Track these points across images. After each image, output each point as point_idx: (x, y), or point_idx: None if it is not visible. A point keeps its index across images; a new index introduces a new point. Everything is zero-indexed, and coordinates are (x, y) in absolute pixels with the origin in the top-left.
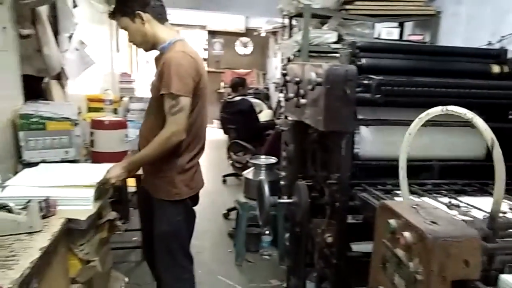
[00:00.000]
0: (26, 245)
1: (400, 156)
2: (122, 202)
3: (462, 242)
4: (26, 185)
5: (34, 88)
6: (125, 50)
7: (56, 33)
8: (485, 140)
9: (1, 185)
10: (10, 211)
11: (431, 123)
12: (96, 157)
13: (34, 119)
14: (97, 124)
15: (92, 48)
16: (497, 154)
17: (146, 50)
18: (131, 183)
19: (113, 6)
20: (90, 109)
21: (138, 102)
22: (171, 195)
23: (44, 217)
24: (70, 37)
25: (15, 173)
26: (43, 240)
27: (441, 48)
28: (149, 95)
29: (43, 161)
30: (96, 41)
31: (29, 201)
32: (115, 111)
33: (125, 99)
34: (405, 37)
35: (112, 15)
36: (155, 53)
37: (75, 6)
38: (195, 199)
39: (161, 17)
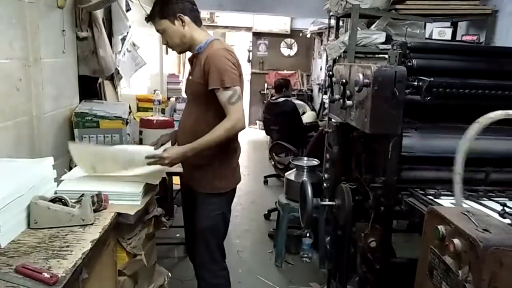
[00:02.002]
0: (79, 236)
1: (456, 160)
2: (167, 200)
3: None
4: (80, 180)
5: (89, 88)
6: (173, 52)
7: (110, 35)
8: None
9: (57, 180)
10: (65, 204)
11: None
12: None
13: (88, 118)
14: (146, 123)
15: (142, 50)
16: None
17: (181, 51)
18: (176, 181)
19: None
20: (139, 109)
21: (184, 103)
22: (215, 188)
23: (95, 210)
24: (123, 39)
25: (70, 168)
26: (94, 233)
27: (497, 49)
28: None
29: None
30: (147, 43)
31: (82, 195)
32: (162, 111)
33: (172, 99)
34: (458, 38)
35: (150, 17)
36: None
37: (128, 9)
38: (234, 193)
39: (198, 20)
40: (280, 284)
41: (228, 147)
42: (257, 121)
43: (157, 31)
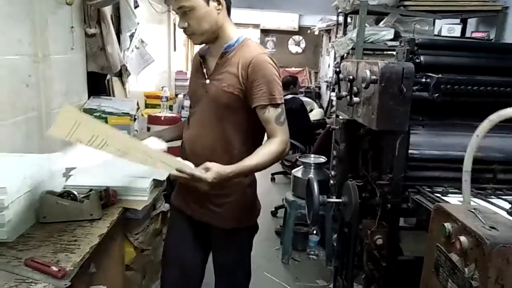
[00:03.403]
0: (87, 231)
1: (465, 158)
2: None
3: None
4: (88, 175)
5: (97, 84)
6: (181, 49)
7: (118, 32)
8: None
9: (66, 175)
10: (74, 199)
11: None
12: None
13: (97, 114)
14: (154, 120)
15: (151, 46)
16: None
17: (204, 42)
18: None
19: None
20: (147, 105)
21: None
22: (243, 221)
23: (104, 205)
24: (131, 36)
25: None
26: (102, 227)
27: (506, 45)
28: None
29: None
30: (155, 40)
31: (90, 190)
32: (170, 108)
33: (180, 96)
34: (467, 34)
35: None
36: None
37: (136, 6)
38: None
39: (229, 10)
40: (287, 281)
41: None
42: None
43: (179, 8)
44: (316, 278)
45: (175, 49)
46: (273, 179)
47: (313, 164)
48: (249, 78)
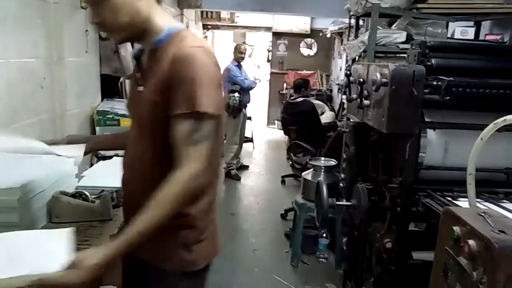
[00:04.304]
0: (98, 231)
1: (469, 161)
2: None
3: None
4: (100, 176)
5: (110, 86)
6: None
7: None
8: None
9: (78, 176)
10: (85, 199)
11: (505, 128)
12: None
13: (109, 116)
14: None
15: None
16: None
17: (127, 39)
18: None
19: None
20: None
21: None
22: (184, 263)
23: (115, 206)
24: None
25: (91, 165)
26: (112, 228)
27: None
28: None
29: (117, 155)
30: None
31: (102, 191)
32: None
33: None
34: (481, 37)
35: None
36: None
37: None
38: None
39: None
40: (296, 284)
41: (203, 197)
42: (276, 121)
43: (86, 1)
44: (326, 282)
45: None
46: (283, 182)
47: (323, 167)
48: (168, 77)
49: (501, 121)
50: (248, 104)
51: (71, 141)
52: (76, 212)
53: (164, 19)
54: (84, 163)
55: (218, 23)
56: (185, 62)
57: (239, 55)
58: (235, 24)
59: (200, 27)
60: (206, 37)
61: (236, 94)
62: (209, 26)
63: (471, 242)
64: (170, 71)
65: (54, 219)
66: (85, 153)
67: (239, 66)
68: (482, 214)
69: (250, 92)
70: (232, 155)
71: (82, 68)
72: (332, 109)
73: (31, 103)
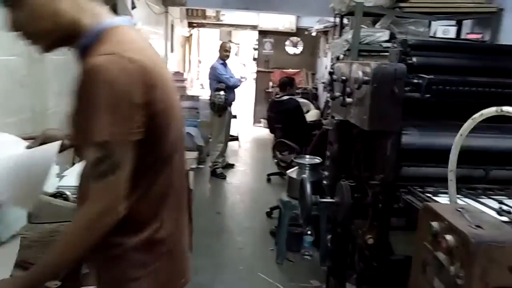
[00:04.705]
0: None
1: (450, 157)
2: None
3: (507, 247)
4: None
5: None
6: (179, 50)
7: None
8: None
9: (59, 175)
10: (66, 199)
11: (485, 125)
12: None
13: None
14: None
15: None
16: None
17: (51, 47)
18: None
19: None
20: None
21: (188, 101)
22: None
23: None
24: None
25: (73, 164)
26: None
27: (496, 47)
28: (198, 94)
29: None
30: (152, 41)
31: None
32: None
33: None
34: (462, 36)
35: None
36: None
37: (133, 7)
38: None
39: None
40: (281, 281)
41: (147, 228)
42: (262, 120)
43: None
44: (311, 279)
45: (172, 50)
46: (268, 180)
47: (308, 165)
48: (78, 98)
49: (478, 115)
50: (233, 102)
51: (48, 136)
52: (57, 212)
53: (95, 16)
54: (65, 163)
55: (204, 21)
56: (86, 77)
57: (224, 53)
58: (220, 22)
59: (186, 25)
60: (191, 35)
61: (222, 92)
62: (195, 24)
63: (448, 237)
64: (77, 88)
65: (34, 220)
66: (63, 149)
67: (224, 64)
68: (460, 209)
69: (236, 90)
70: (218, 153)
71: (63, 66)
72: (317, 108)
73: (11, 102)
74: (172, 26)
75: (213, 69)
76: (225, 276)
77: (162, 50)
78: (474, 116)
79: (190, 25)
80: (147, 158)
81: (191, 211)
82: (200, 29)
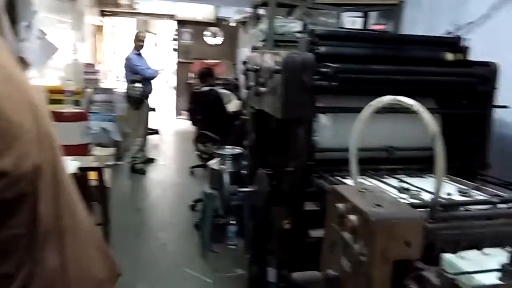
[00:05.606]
0: None
1: (350, 141)
2: (85, 197)
3: (403, 223)
4: None
5: None
6: (90, 40)
7: (13, 21)
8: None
9: None
10: None
11: (388, 110)
12: None
13: None
14: (56, 116)
15: (53, 37)
16: (439, 149)
17: None
18: (93, 176)
19: None
20: (52, 101)
21: (102, 94)
22: None
23: None
24: (28, 26)
25: None
26: None
27: (397, 36)
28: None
29: None
30: (57, 30)
31: None
32: (77, 103)
33: (89, 90)
34: (369, 27)
35: None
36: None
37: None
38: None
39: None
40: (206, 273)
41: None
42: (184, 112)
43: None
44: (235, 268)
45: (82, 40)
46: (192, 173)
47: (229, 156)
48: None
49: (375, 102)
50: (150, 95)
51: None
52: None
53: None
54: None
55: (116, 10)
56: None
57: (138, 43)
58: (135, 11)
59: (97, 13)
60: (103, 24)
61: (137, 84)
62: (107, 13)
63: (352, 217)
64: None
65: None
66: None
67: (139, 55)
68: (363, 190)
69: (153, 82)
70: (137, 148)
71: None
72: (239, 98)
73: None
74: (81, 14)
75: (127, 60)
76: (147, 274)
77: (69, 40)
78: (371, 103)
79: (102, 13)
80: None
81: (108, 210)
82: (114, 18)
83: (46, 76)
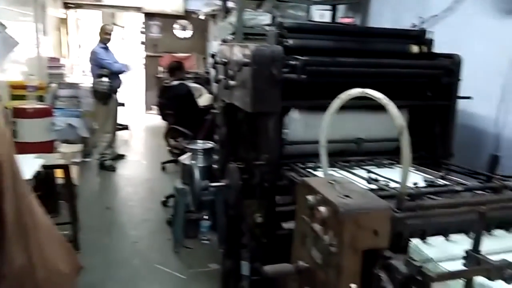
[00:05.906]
0: None
1: (320, 134)
2: (51, 195)
3: (371, 213)
4: None
5: None
6: (54, 33)
7: None
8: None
9: None
10: None
11: (358, 102)
12: (21, 149)
13: None
14: (20, 113)
15: (13, 31)
16: (405, 141)
17: None
18: (59, 174)
19: None
20: (14, 97)
21: (68, 89)
22: None
23: None
24: None
25: None
26: None
27: (363, 29)
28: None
29: None
30: (18, 23)
31: None
32: (41, 98)
33: (54, 85)
34: (337, 20)
35: None
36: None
37: None
38: None
39: None
40: (179, 269)
41: None
42: (154, 106)
43: None
44: (209, 263)
45: (46, 33)
46: (163, 169)
47: (200, 150)
48: None
49: (345, 95)
50: (119, 89)
51: None
52: None
53: None
54: None
55: (81, 2)
56: None
57: (105, 36)
58: (100, 3)
59: (60, 5)
60: (67, 16)
61: (105, 79)
62: (71, 5)
63: (322, 208)
64: None
65: None
66: None
67: (106, 49)
68: (332, 181)
69: (121, 76)
70: (105, 144)
71: None
72: (210, 92)
73: None
74: (44, 6)
75: (93, 53)
76: (118, 272)
77: (32, 33)
78: (340, 95)
79: (66, 5)
80: None
81: (76, 208)
82: (79, 10)
83: (7, 71)
